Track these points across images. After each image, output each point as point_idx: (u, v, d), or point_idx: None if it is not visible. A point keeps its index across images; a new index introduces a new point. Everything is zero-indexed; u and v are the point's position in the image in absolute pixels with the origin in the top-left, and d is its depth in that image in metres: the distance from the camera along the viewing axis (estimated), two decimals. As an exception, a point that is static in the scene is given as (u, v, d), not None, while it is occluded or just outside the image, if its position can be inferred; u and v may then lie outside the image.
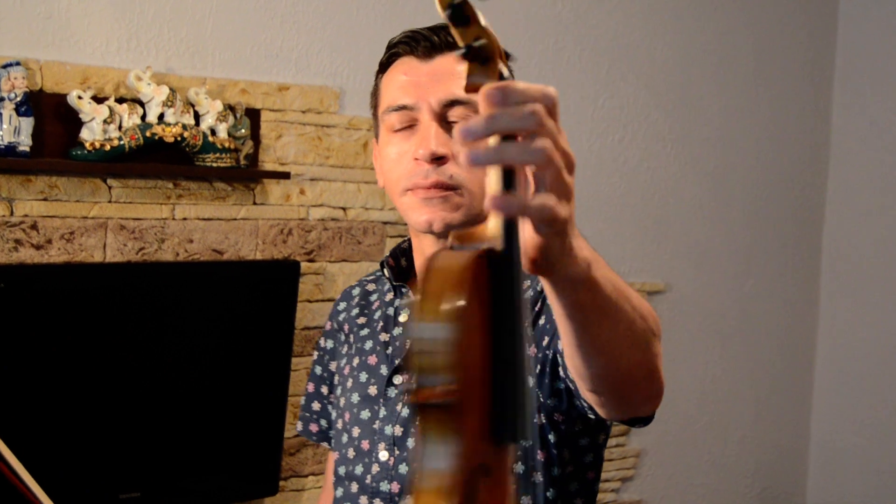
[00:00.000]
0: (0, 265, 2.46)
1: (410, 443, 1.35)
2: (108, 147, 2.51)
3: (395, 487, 1.35)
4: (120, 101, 2.57)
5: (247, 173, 2.78)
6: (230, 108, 2.72)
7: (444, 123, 1.31)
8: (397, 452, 1.36)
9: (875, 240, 4.23)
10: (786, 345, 4.29)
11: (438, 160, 1.29)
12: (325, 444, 1.61)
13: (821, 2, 4.25)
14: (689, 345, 3.95)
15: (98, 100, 2.52)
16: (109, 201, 2.62)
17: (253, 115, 2.80)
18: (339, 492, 1.44)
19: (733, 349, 4.10)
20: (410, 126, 1.33)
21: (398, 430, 1.36)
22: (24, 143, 2.41)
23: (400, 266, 1.48)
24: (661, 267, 3.83)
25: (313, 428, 1.60)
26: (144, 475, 2.64)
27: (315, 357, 1.62)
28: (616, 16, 3.63)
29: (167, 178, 2.69)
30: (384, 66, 1.38)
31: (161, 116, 2.59)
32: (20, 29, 2.51)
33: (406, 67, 1.34)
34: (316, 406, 1.59)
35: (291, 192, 2.91)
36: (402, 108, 1.32)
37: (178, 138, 2.60)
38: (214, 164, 2.67)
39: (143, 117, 2.58)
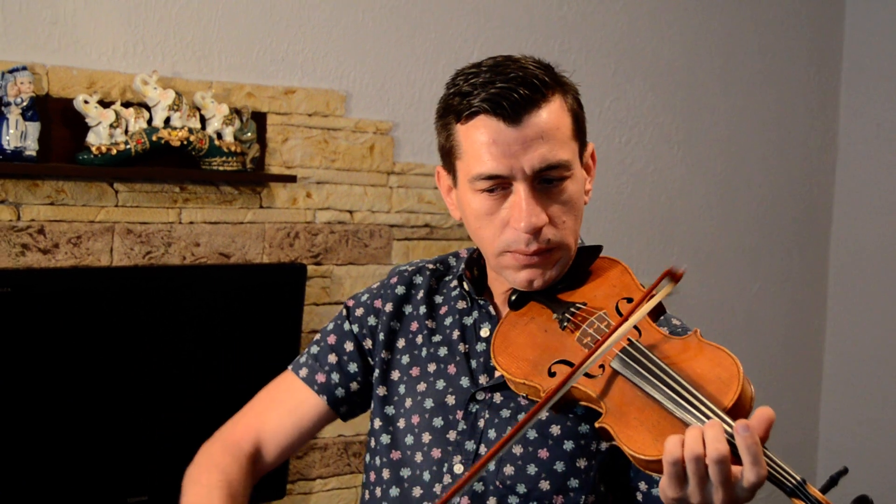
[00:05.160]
0: (7, 270, 2.46)
1: (491, 466, 1.34)
2: (114, 151, 2.51)
3: (465, 501, 1.35)
4: (126, 105, 2.57)
5: (253, 177, 2.78)
6: (236, 111, 2.73)
7: (537, 184, 1.31)
8: None
9: (882, 241, 4.21)
10: (793, 346, 4.27)
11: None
12: (322, 397, 1.51)
13: (827, 3, 4.24)
14: (697, 347, 3.94)
15: (104, 104, 2.53)
16: (116, 205, 2.62)
17: (259, 118, 2.80)
18: (396, 491, 1.42)
19: (740, 351, 4.03)
20: (500, 187, 1.32)
21: (482, 449, 1.36)
22: (31, 147, 2.41)
23: (474, 277, 1.46)
24: (667, 268, 3.81)
25: (320, 378, 1.51)
26: (152, 479, 2.64)
27: (346, 315, 1.53)
28: (622, 17, 3.62)
29: (174, 181, 2.70)
30: (460, 115, 1.32)
31: (167, 120, 2.59)
32: (26, 34, 2.51)
33: (493, 133, 1.29)
34: (332, 359, 1.51)
35: (298, 196, 2.91)
36: (494, 177, 1.31)
37: (185, 142, 2.60)
38: (221, 168, 2.67)
39: (150, 121, 2.58)
